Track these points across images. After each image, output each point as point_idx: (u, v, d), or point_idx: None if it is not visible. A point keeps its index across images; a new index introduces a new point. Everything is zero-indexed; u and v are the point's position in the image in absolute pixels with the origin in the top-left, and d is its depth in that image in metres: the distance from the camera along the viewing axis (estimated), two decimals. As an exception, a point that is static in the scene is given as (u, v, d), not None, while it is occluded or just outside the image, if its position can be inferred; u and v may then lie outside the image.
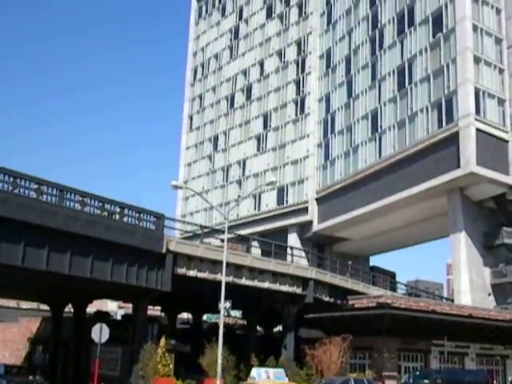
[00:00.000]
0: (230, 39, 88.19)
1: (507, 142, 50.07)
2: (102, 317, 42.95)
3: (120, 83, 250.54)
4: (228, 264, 32.00)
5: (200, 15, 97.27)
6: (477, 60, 49.67)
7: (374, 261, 78.43)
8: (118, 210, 30.78)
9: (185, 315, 60.14)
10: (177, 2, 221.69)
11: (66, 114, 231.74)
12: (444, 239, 61.26)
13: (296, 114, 72.74)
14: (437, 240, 67.79)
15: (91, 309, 47.42)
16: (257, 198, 74.45)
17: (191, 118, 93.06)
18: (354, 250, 70.08)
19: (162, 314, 53.65)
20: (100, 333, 28.28)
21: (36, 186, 26.92)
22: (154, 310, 55.92)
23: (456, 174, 48.17)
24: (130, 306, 41.23)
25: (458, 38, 49.97)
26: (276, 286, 39.79)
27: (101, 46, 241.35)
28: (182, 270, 34.31)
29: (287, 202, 70.29)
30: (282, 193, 71.36)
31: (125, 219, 31.14)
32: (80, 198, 28.81)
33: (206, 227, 44.60)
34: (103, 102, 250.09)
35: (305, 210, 67.79)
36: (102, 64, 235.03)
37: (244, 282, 37.78)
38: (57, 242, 27.75)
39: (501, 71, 51.40)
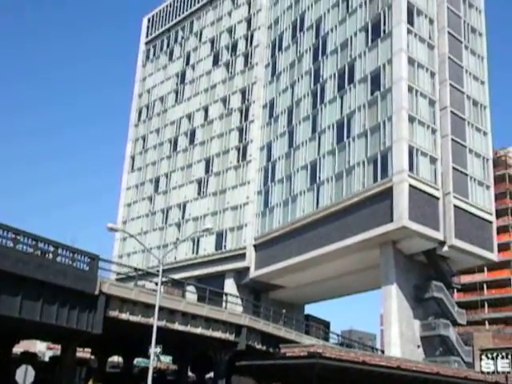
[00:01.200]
0: (176, 83, 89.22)
1: (438, 198, 52.07)
2: (29, 358, 41.65)
3: (65, 123, 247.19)
4: (161, 308, 31.90)
5: (148, 57, 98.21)
6: (411, 119, 51.95)
7: (310, 309, 79.23)
8: (51, 249, 30.32)
9: (116, 358, 58.86)
10: (125, 43, 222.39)
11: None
12: (378, 290, 62.63)
13: (238, 161, 73.72)
14: (371, 291, 69.17)
15: (18, 349, 45.88)
16: (195, 241, 74.38)
17: (133, 159, 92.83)
18: (289, 297, 70.66)
19: (92, 357, 52.39)
20: (25, 375, 27.31)
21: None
22: (84, 353, 54.57)
23: (389, 228, 49.64)
24: (60, 346, 40.21)
25: (395, 97, 52.28)
26: (209, 332, 39.73)
27: (48, 93, 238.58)
28: (114, 313, 33.88)
29: (225, 247, 70.47)
30: (220, 238, 71.55)
31: (58, 259, 30.67)
32: (13, 236, 28.30)
33: (140, 270, 44.26)
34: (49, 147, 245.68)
35: (242, 256, 68.07)
36: (49, 113, 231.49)
37: (177, 326, 37.59)
38: (-17, 280, 27.07)
39: (433, 131, 53.85)
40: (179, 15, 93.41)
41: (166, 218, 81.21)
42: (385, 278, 51.89)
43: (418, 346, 52.00)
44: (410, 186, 49.64)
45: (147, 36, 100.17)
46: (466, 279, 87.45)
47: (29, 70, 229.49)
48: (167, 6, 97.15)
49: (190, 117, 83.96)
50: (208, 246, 72.56)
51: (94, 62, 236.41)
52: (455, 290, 71.52)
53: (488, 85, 60.15)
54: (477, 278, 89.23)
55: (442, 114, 54.56)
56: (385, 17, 56.14)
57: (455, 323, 54.48)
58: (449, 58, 55.97)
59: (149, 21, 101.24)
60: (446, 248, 51.53)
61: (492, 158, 59.41)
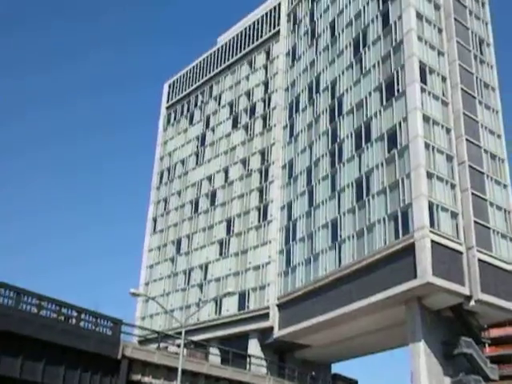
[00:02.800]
0: (197, 146, 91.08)
1: (461, 253, 51.66)
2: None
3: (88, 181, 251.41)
4: (184, 371, 31.83)
5: (169, 122, 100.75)
6: (430, 176, 52.22)
7: (337, 367, 77.78)
8: (74, 314, 30.76)
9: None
10: (147, 108, 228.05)
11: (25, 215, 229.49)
12: (407, 347, 61.53)
13: (259, 221, 74.22)
14: (399, 348, 67.82)
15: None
16: (218, 302, 74.17)
17: (155, 221, 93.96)
18: (315, 356, 69.62)
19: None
20: None
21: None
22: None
23: (413, 284, 49.19)
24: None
25: (412, 154, 52.78)
26: (232, 395, 39.32)
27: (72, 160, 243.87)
28: (136, 377, 33.91)
29: (248, 307, 70.13)
30: (243, 298, 71.31)
31: (81, 324, 31.05)
32: (37, 302, 28.82)
33: (163, 333, 44.22)
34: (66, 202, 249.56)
35: (266, 316, 67.58)
36: (75, 180, 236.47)
37: (200, 390, 37.32)
38: (8, 345, 27.40)
39: (453, 186, 53.98)
40: (199, 80, 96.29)
41: (189, 279, 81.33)
42: (412, 335, 51.07)
43: (450, 404, 50.63)
44: (432, 241, 49.41)
45: (168, 101, 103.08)
46: (498, 333, 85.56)
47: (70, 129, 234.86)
48: (187, 72, 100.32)
49: (210, 178, 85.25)
50: (231, 306, 72.26)
51: (117, 126, 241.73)
52: (486, 345, 69.85)
53: (504, 138, 60.49)
54: (509, 331, 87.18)
55: (460, 169, 54.78)
56: (398, 76, 57.33)
57: (487, 379, 53.00)
58: (463, 113, 56.61)
59: (169, 86, 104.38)
60: (472, 303, 50.64)
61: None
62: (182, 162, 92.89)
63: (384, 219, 54.24)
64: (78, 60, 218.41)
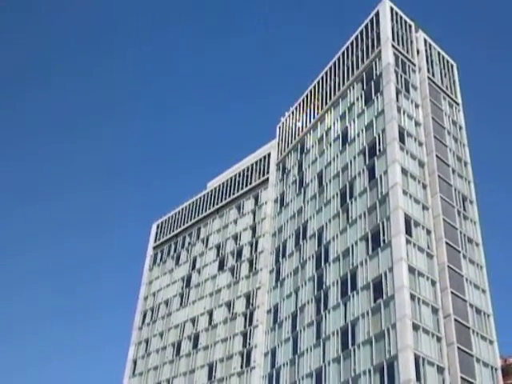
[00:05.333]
0: (182, 287, 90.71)
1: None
2: None
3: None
4: None
5: (155, 262, 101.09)
6: (415, 327, 51.86)
7: None
8: None
9: None
10: (134, 249, 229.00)
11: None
12: None
13: (241, 367, 72.24)
14: None
15: None
16: None
17: (135, 363, 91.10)
18: None
19: None
20: None
21: None
22: None
23: None
24: None
25: (397, 305, 52.79)
26: None
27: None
28: None
29: None
30: None
31: None
32: None
33: None
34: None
35: None
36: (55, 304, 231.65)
37: None
38: None
39: (439, 339, 53.45)
40: (187, 222, 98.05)
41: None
42: None
43: None
44: (419, 397, 48.14)
45: (156, 241, 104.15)
46: None
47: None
48: (176, 214, 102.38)
49: (194, 320, 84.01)
50: None
51: (103, 264, 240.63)
52: None
53: (490, 293, 60.93)
54: None
55: (445, 322, 54.57)
56: (384, 227, 58.82)
57: None
58: (448, 266, 57.44)
59: (158, 227, 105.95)
60: None
61: (500, 367, 58.14)
62: (166, 302, 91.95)
63: (369, 370, 53.06)
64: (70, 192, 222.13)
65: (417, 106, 68.36)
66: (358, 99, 71.77)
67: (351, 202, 65.70)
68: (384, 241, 58.11)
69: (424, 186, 62.73)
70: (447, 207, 62.39)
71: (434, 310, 54.93)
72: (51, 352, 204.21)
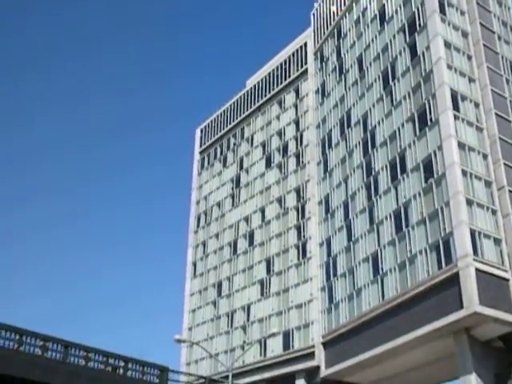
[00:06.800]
0: (232, 188, 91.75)
1: (508, 280, 50.38)
2: None
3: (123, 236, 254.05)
4: (233, 417, 31.42)
5: (203, 166, 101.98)
6: (469, 203, 51.42)
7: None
8: (121, 364, 30.86)
9: None
10: (180, 153, 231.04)
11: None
12: (458, 380, 59.76)
13: (298, 259, 73.85)
14: (450, 381, 65.86)
15: None
16: (262, 343, 73.47)
17: (195, 265, 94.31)
18: (363, 395, 68.08)
19: None
20: None
21: (41, 343, 27.30)
22: None
23: (459, 315, 47.98)
24: None
25: (449, 182, 52.15)
26: None
27: (109, 200, 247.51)
28: (185, 425, 33.58)
29: (293, 347, 69.30)
30: (287, 338, 70.55)
31: (128, 373, 31.10)
32: (84, 354, 29.04)
33: (209, 378, 43.96)
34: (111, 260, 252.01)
35: (311, 355, 66.65)
36: (112, 222, 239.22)
37: None
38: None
39: (494, 212, 53.00)
40: (230, 123, 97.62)
41: (232, 322, 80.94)
42: (462, 368, 49.51)
43: None
44: (477, 269, 48.31)
45: (201, 145, 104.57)
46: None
47: (92, 173, 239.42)
48: (218, 116, 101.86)
49: (247, 219, 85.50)
50: (276, 346, 71.51)
51: (149, 171, 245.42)
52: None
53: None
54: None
55: (500, 194, 53.82)
56: (430, 106, 57.14)
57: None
58: (499, 138, 55.86)
59: (201, 131, 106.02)
60: (522, 331, 49.20)
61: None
62: (218, 204, 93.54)
63: (425, 250, 53.40)
64: (108, 99, 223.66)
65: (456, -27, 64.19)
66: (392, -27, 67.80)
67: (394, 84, 63.71)
68: (431, 119, 56.58)
69: (469, 58, 59.97)
70: (494, 77, 59.76)
71: (488, 184, 54.03)
72: (116, 258, 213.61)
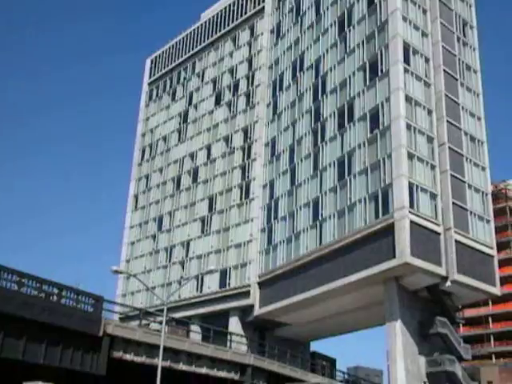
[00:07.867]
0: (179, 123, 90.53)
1: (439, 234, 52.33)
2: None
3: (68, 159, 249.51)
4: (166, 348, 32.10)
5: (151, 98, 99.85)
6: (411, 156, 52.62)
7: (316, 346, 78.80)
8: (55, 291, 30.78)
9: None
10: (128, 84, 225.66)
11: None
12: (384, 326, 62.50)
13: (241, 199, 74.33)
14: (376, 327, 68.93)
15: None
16: (199, 279, 74.44)
17: (136, 198, 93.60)
18: (294, 335, 70.44)
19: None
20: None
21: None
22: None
23: (391, 264, 49.82)
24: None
25: (393, 135, 53.05)
26: (214, 372, 39.78)
27: (53, 134, 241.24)
28: (118, 354, 34.14)
29: (229, 284, 70.54)
30: (224, 275, 71.66)
31: (62, 301, 31.09)
32: (17, 278, 28.77)
33: (144, 310, 44.47)
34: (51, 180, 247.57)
35: (247, 294, 68.04)
36: (55, 155, 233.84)
37: (182, 367, 37.73)
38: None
39: (433, 167, 54.48)
40: (181, 56, 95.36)
41: (170, 257, 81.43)
42: (389, 315, 51.88)
43: (424, 383, 51.71)
44: (412, 222, 49.97)
45: (150, 77, 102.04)
46: (471, 313, 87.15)
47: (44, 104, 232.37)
48: (170, 48, 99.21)
49: (192, 156, 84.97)
50: (212, 283, 72.64)
51: (96, 102, 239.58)
52: (460, 325, 71.23)
53: (484, 120, 61.03)
54: (482, 311, 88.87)
55: (440, 151, 55.25)
56: (382, 56, 57.38)
57: (461, 358, 54.21)
58: (445, 95, 56.92)
59: (152, 62, 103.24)
60: (448, 283, 51.47)
61: (491, 193, 59.90)
62: (164, 138, 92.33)
63: (365, 199, 54.67)
64: (61, 28, 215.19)
65: None
66: None
67: (349, 31, 63.48)
68: (382, 70, 56.99)
69: (424, 11, 60.23)
70: (447, 33, 60.43)
71: (430, 139, 55.29)
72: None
